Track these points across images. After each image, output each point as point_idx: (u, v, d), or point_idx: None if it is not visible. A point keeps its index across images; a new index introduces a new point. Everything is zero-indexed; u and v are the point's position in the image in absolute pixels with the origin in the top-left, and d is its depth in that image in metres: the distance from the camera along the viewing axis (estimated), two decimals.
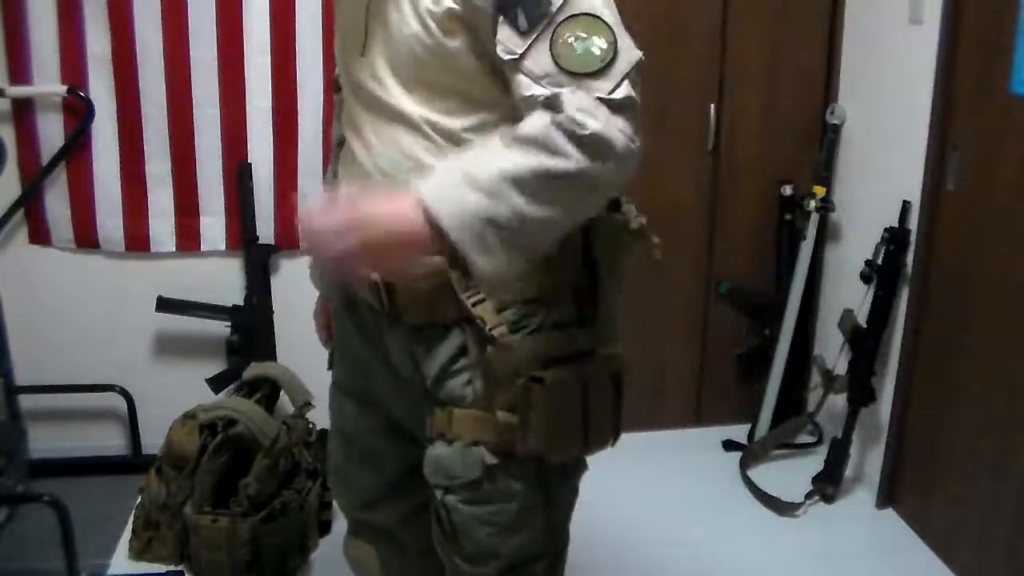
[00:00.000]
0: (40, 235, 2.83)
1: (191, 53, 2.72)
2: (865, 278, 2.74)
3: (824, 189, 2.96)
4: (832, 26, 2.99)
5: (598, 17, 1.19)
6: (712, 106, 2.99)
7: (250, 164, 2.82)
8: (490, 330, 1.32)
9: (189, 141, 2.79)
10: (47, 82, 2.69)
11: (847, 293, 2.86)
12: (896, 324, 2.70)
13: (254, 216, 2.83)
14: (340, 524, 2.28)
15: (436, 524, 1.46)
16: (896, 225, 2.66)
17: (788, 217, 3.07)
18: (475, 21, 1.23)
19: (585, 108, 1.15)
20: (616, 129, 1.16)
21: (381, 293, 1.39)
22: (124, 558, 2.42)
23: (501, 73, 1.25)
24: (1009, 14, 2.22)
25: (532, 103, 1.19)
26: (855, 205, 2.94)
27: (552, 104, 1.17)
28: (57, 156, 2.74)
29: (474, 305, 1.31)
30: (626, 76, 1.18)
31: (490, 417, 1.35)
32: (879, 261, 2.70)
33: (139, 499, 2.45)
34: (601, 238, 1.40)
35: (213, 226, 2.87)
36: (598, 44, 1.18)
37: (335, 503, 1.89)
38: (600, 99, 1.16)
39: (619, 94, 1.17)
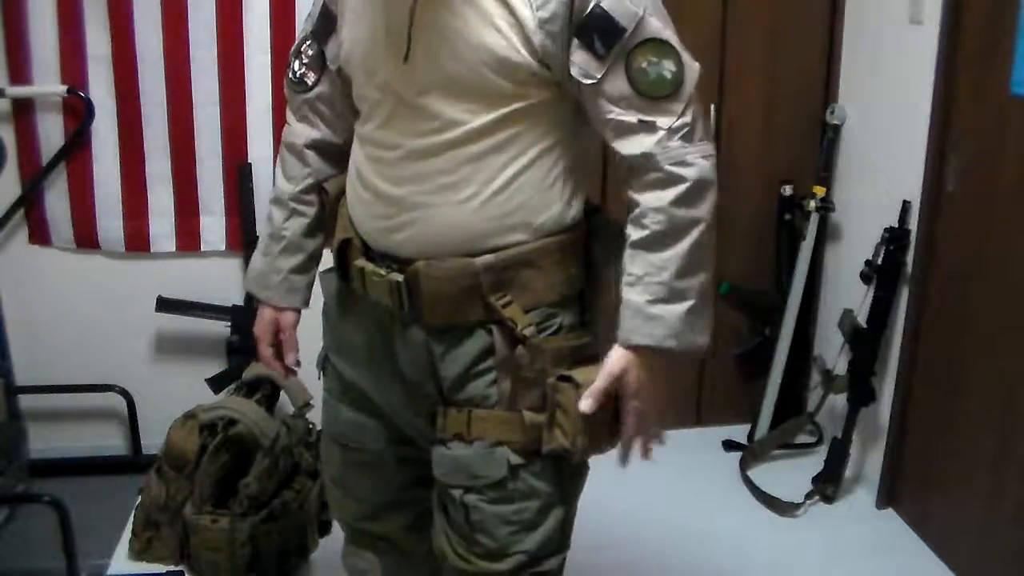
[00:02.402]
0: (40, 235, 2.83)
1: (191, 53, 2.72)
2: (865, 278, 2.74)
3: (824, 189, 2.96)
4: (832, 26, 2.99)
5: (665, 41, 1.30)
6: (712, 106, 2.99)
7: (250, 164, 2.82)
8: (521, 330, 1.35)
9: (189, 141, 2.79)
10: (47, 82, 2.69)
11: (847, 293, 2.86)
12: (896, 324, 2.70)
13: (254, 216, 2.83)
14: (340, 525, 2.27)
15: (446, 524, 1.46)
16: (896, 225, 2.65)
17: (788, 217, 3.07)
18: (549, 46, 1.29)
19: (679, 159, 1.30)
20: (702, 156, 1.32)
21: (402, 295, 1.39)
22: (124, 558, 2.42)
23: (542, 76, 1.31)
24: (1009, 14, 2.22)
25: (612, 126, 1.32)
26: (855, 205, 2.94)
27: (648, 166, 1.31)
28: (57, 156, 2.74)
29: (504, 307, 1.35)
30: (692, 97, 1.32)
31: (516, 417, 1.38)
32: (879, 261, 2.70)
33: (139, 499, 2.45)
34: (602, 243, 1.43)
35: (213, 226, 2.87)
36: (668, 68, 1.30)
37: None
38: (681, 134, 1.30)
39: (689, 115, 1.31)
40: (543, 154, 1.36)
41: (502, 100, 1.31)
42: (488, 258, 1.35)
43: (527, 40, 1.28)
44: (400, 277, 1.38)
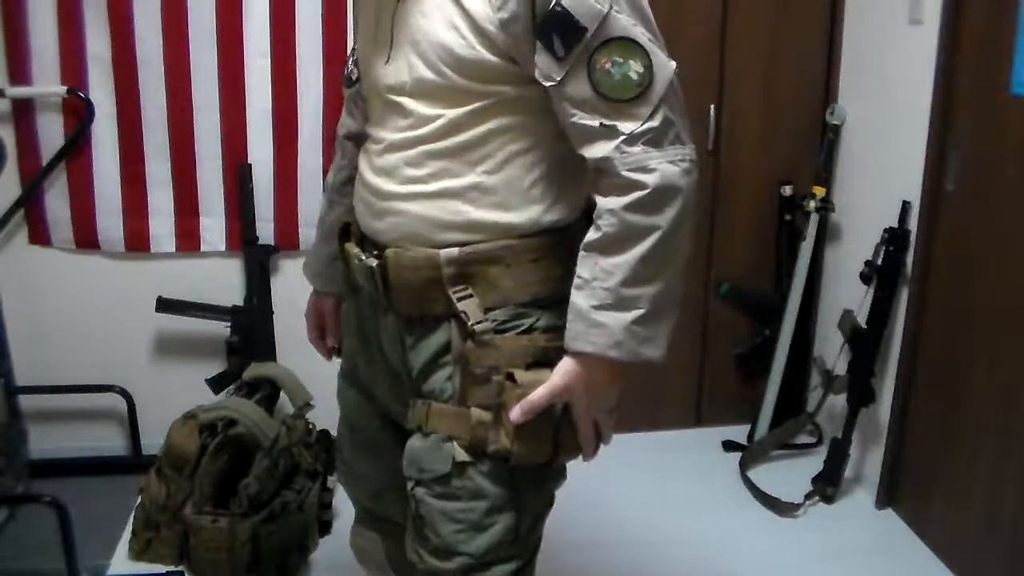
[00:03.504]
0: (40, 235, 2.83)
1: (191, 54, 2.72)
2: (865, 278, 2.74)
3: (824, 189, 2.96)
4: (832, 26, 2.99)
5: (632, 40, 1.24)
6: (712, 106, 2.99)
7: (250, 165, 2.82)
8: (472, 325, 1.34)
9: (189, 142, 2.79)
10: (47, 82, 2.69)
11: (847, 293, 2.86)
12: (896, 324, 2.70)
13: (254, 216, 2.84)
14: (340, 524, 2.28)
15: (409, 516, 1.46)
16: (896, 225, 2.66)
17: (788, 217, 3.07)
18: (512, 47, 1.27)
19: (638, 164, 1.25)
20: (667, 162, 1.25)
21: (377, 280, 1.41)
22: (124, 558, 2.42)
23: (513, 75, 1.29)
24: (1009, 14, 2.22)
25: (576, 130, 1.28)
26: (855, 205, 2.94)
27: (606, 170, 1.26)
28: (57, 156, 2.74)
29: (460, 300, 1.34)
30: (663, 99, 1.26)
31: (465, 413, 1.36)
32: (879, 261, 2.70)
33: (139, 499, 2.45)
34: None
35: (213, 226, 2.87)
36: (634, 68, 1.24)
37: (339, 498, 1.89)
38: (644, 140, 1.24)
39: (657, 119, 1.25)
40: (519, 154, 1.35)
41: (470, 97, 1.31)
42: (452, 251, 1.35)
43: (486, 38, 1.26)
44: (375, 263, 1.41)
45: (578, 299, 1.29)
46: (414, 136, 1.35)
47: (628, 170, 1.25)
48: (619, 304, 1.27)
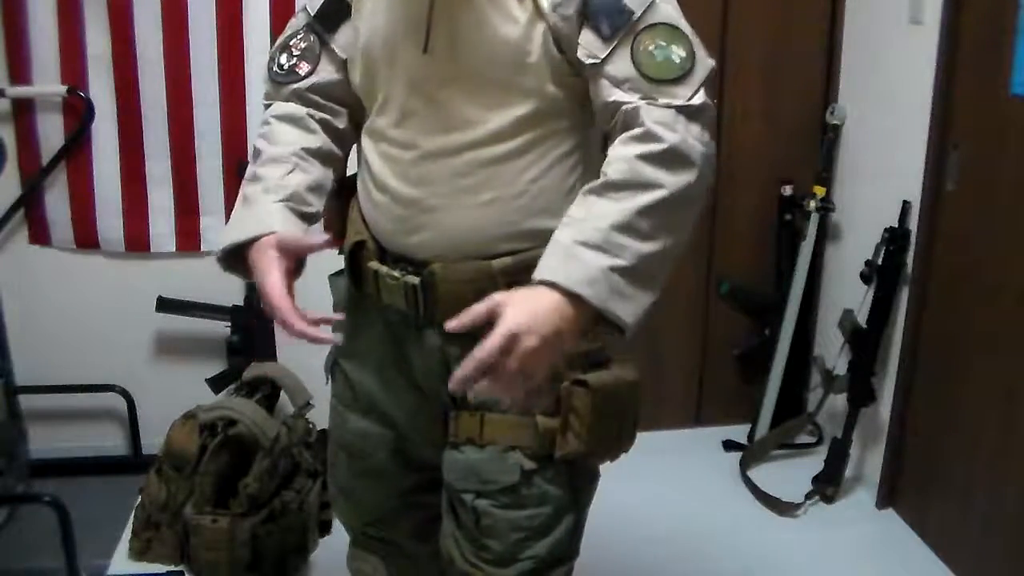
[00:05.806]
0: (40, 235, 2.83)
1: (191, 53, 2.72)
2: (865, 278, 2.74)
3: (824, 189, 2.96)
4: (832, 26, 2.99)
5: (677, 27, 1.27)
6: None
7: None
8: None
9: (189, 141, 2.79)
10: (47, 82, 2.69)
11: (847, 293, 2.86)
12: (896, 324, 2.70)
13: None
14: (339, 524, 2.28)
15: (456, 528, 1.45)
16: (896, 225, 2.66)
17: (788, 217, 3.07)
18: (562, 29, 1.27)
19: (663, 121, 1.22)
20: (692, 137, 1.23)
21: (418, 298, 1.37)
22: (124, 558, 2.42)
23: (561, 71, 1.29)
24: (1009, 14, 2.22)
25: (612, 109, 1.26)
26: (855, 205, 2.94)
27: (631, 120, 1.23)
28: (57, 156, 2.74)
29: None
30: (703, 84, 1.26)
31: (529, 421, 1.36)
32: (879, 261, 2.70)
33: (139, 499, 2.45)
34: None
35: (213, 226, 2.86)
36: (677, 52, 1.26)
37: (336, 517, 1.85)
38: (678, 108, 1.23)
39: (697, 100, 1.24)
40: (562, 159, 1.35)
41: (521, 96, 1.29)
42: (505, 261, 1.33)
43: (543, 27, 1.26)
44: (416, 280, 1.36)
45: (562, 235, 1.21)
46: (461, 142, 1.31)
47: (653, 122, 1.21)
48: (604, 246, 1.18)
